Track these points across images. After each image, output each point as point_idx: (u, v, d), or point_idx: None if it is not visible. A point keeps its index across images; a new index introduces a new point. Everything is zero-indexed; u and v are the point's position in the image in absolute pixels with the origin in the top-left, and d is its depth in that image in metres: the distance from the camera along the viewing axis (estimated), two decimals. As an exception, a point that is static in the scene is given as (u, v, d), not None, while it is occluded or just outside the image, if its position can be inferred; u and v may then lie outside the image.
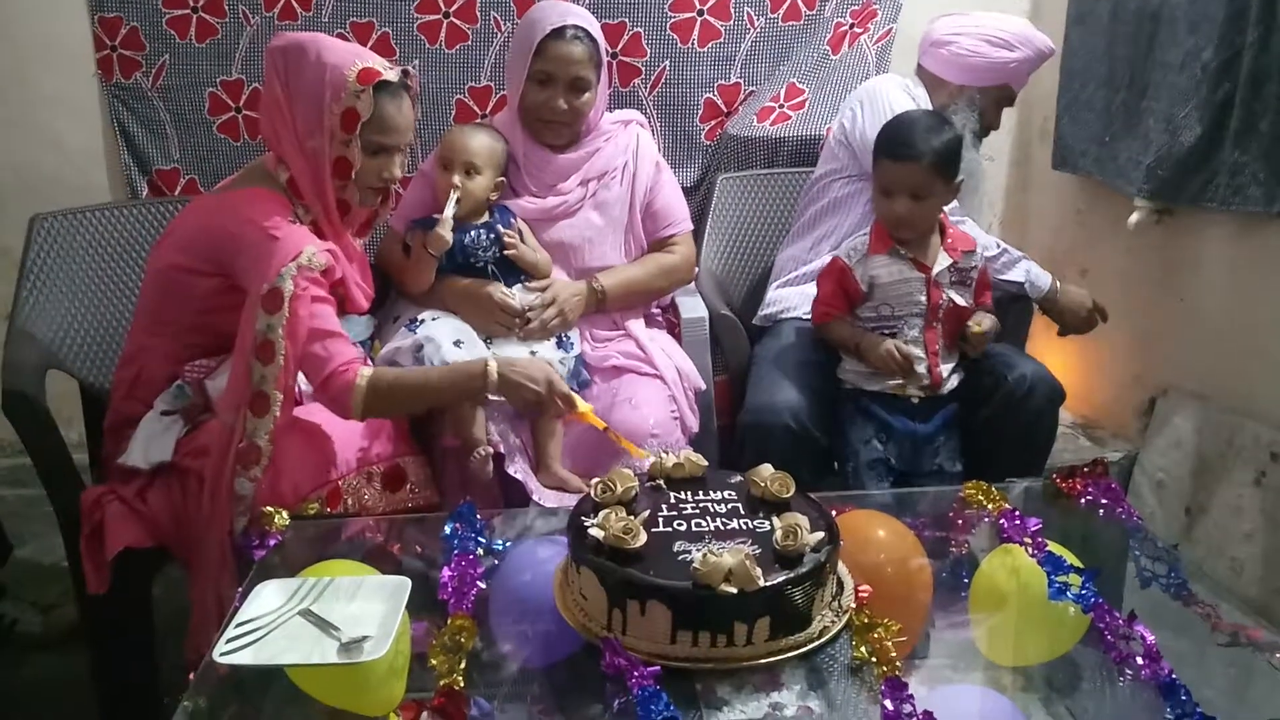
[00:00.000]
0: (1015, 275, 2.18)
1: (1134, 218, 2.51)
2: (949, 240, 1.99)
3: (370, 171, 1.72)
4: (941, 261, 1.96)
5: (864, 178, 2.17)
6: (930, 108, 2.23)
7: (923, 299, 1.95)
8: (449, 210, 1.91)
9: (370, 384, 1.60)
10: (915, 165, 1.90)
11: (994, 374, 2.00)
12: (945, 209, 2.12)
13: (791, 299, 2.23)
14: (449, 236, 1.90)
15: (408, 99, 1.72)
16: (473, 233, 1.98)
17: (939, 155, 1.90)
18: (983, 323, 1.98)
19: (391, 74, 1.68)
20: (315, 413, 1.73)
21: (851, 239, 2.06)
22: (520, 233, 2.02)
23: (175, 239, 1.74)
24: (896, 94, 2.20)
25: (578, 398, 1.71)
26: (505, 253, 1.98)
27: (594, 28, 2.04)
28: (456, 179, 1.94)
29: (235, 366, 1.61)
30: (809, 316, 2.16)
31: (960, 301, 1.98)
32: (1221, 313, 2.41)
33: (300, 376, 1.72)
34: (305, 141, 1.67)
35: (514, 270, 2.00)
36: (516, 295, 1.98)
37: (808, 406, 1.95)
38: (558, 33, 1.99)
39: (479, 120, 2.54)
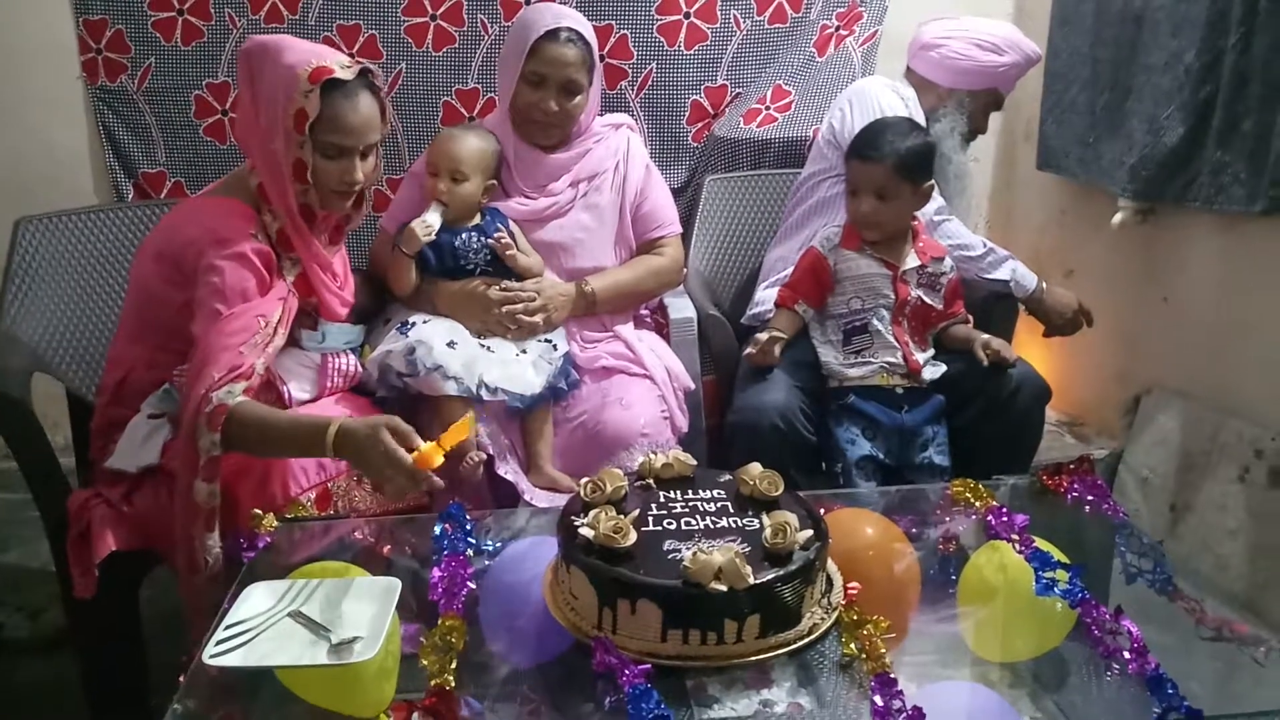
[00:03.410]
0: (1001, 274, 2.20)
1: (1118, 217, 2.53)
2: (920, 245, 2.02)
3: (329, 174, 1.66)
4: (910, 261, 1.98)
5: (851, 178, 2.18)
6: (919, 108, 2.24)
7: (890, 293, 1.96)
8: (429, 215, 1.91)
9: (233, 412, 1.50)
10: (880, 166, 1.93)
11: (981, 373, 2.01)
12: (934, 214, 2.14)
13: (779, 299, 2.24)
14: (423, 236, 1.90)
15: (367, 96, 1.65)
16: (463, 235, 1.97)
17: (904, 159, 1.93)
18: (1002, 350, 1.98)
19: (345, 72, 1.62)
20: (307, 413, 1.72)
21: (826, 228, 2.07)
22: (513, 235, 2.01)
23: (151, 247, 1.72)
24: (885, 94, 2.21)
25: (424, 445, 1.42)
26: (504, 257, 1.97)
27: (588, 31, 2.04)
28: (442, 186, 1.93)
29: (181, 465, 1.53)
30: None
31: (928, 300, 1.99)
32: (1205, 311, 2.43)
33: (291, 386, 1.72)
34: (267, 144, 1.63)
35: (504, 272, 2.00)
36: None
37: (796, 406, 1.95)
38: (551, 35, 1.99)
39: (468, 122, 2.54)
